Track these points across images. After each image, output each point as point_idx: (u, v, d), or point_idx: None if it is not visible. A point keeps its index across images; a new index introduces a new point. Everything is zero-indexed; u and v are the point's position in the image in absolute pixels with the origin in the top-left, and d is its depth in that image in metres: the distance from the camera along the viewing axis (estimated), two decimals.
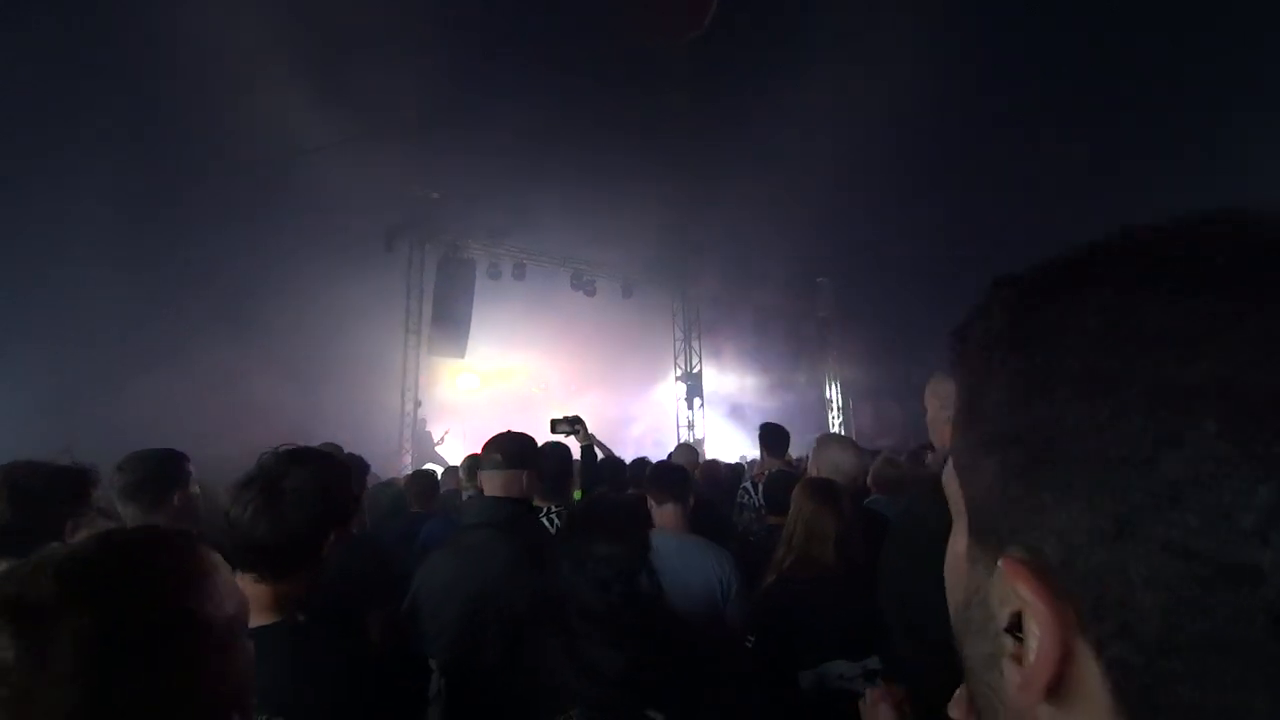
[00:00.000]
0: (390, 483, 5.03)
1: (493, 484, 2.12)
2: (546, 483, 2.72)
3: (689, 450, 5.31)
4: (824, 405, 14.97)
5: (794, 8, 8.22)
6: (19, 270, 7.09)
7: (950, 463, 0.38)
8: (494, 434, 2.25)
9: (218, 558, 0.73)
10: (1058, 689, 0.28)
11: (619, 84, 8.69)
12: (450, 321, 10.43)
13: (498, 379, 12.09)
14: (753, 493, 3.88)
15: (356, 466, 3.36)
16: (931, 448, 4.97)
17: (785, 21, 8.33)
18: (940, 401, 1.80)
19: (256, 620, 1.20)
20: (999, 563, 0.31)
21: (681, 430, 12.90)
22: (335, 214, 9.26)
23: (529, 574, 1.91)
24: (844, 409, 15.00)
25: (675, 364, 13.42)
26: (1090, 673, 0.27)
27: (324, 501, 1.31)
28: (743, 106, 9.31)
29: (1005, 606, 0.31)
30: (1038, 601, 0.28)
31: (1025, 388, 0.30)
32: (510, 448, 2.16)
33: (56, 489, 1.62)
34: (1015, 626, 0.30)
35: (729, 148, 9.78)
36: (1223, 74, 8.02)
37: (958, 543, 0.38)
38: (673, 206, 10.44)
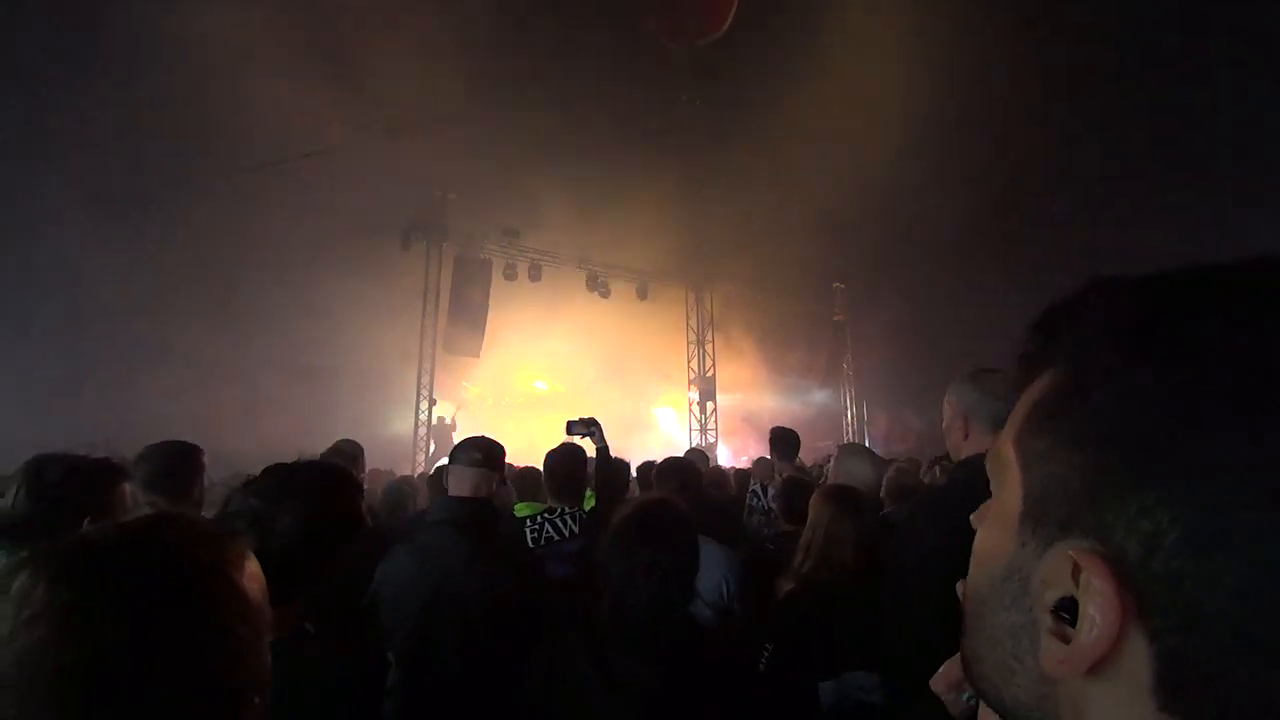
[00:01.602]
0: (404, 480, 5.07)
1: (462, 483, 2.16)
2: (560, 484, 2.74)
3: (698, 455, 5.29)
4: (839, 411, 14.87)
5: (812, 11, 8.20)
6: (35, 266, 7.23)
7: (1010, 447, 0.39)
8: (470, 436, 2.30)
9: (251, 551, 0.76)
10: (1098, 665, 0.31)
11: (637, 86, 8.71)
12: (466, 320, 10.50)
13: (513, 379, 12.16)
14: (762, 495, 3.86)
15: (353, 457, 3.37)
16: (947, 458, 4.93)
17: (803, 24, 8.31)
18: (955, 409, 1.78)
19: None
20: (1068, 553, 0.33)
21: (693, 434, 12.88)
22: (352, 212, 9.37)
23: (484, 573, 1.97)
24: (859, 416, 14.89)
25: (689, 367, 13.40)
26: (1138, 657, 0.30)
27: (319, 535, 1.26)
28: (760, 109, 9.29)
29: (1052, 589, 0.33)
30: (1108, 590, 0.30)
31: (1151, 397, 0.31)
32: (487, 450, 2.21)
33: (73, 481, 1.59)
34: (1062, 608, 0.32)
35: (746, 151, 9.76)
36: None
37: (1002, 524, 0.39)
38: (689, 210, 10.46)
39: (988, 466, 0.43)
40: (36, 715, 0.54)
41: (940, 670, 1.08)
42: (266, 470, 1.31)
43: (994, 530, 0.40)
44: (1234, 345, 0.30)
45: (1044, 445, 0.36)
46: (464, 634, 1.88)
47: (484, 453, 2.19)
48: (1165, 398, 0.31)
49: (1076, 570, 0.32)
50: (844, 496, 2.18)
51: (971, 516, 0.46)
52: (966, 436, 1.73)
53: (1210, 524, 0.28)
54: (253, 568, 0.73)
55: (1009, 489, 0.39)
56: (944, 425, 1.83)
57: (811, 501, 2.21)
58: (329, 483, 1.33)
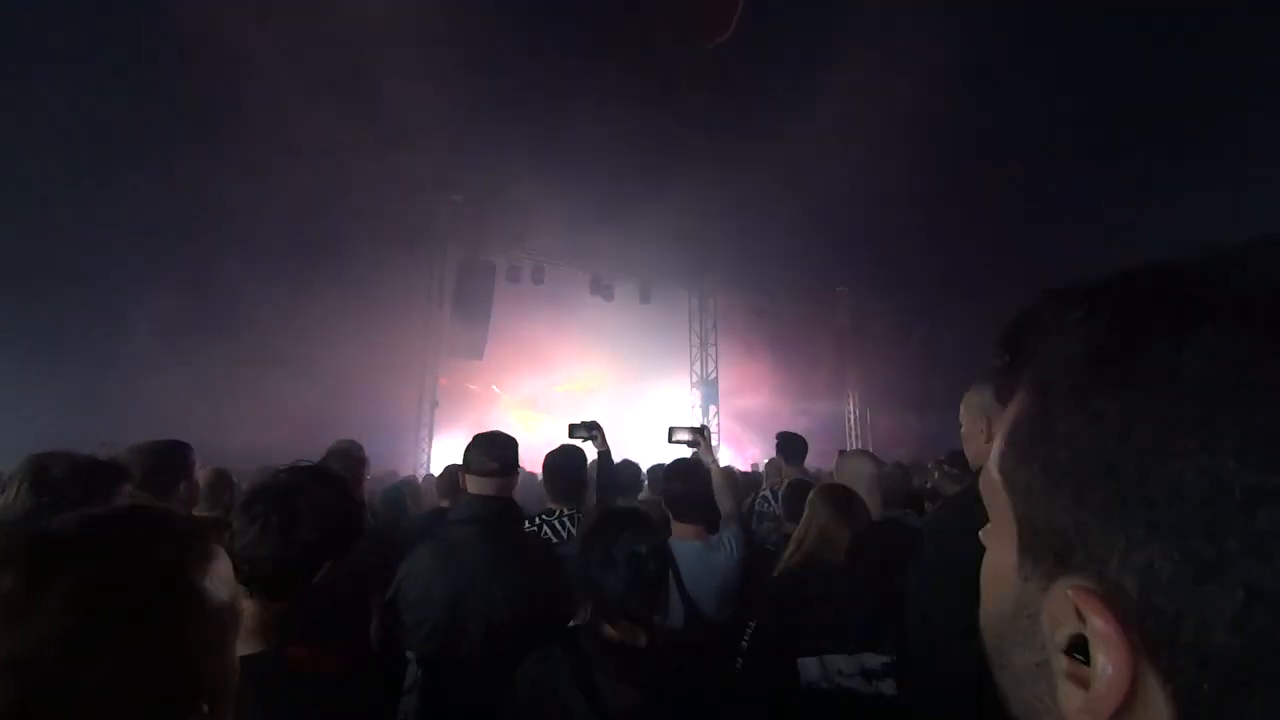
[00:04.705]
0: (407, 480, 5.08)
1: (487, 485, 2.13)
2: (561, 486, 2.72)
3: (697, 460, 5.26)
4: (841, 415, 14.83)
5: (818, 15, 8.19)
6: (52, 275, 7.29)
7: (995, 473, 0.38)
8: (483, 433, 2.25)
9: (221, 550, 0.73)
10: (1119, 710, 0.29)
11: (640, 89, 8.71)
12: (469, 323, 10.53)
13: (515, 381, 12.17)
14: (772, 500, 3.85)
15: (356, 458, 3.33)
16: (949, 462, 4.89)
17: (809, 29, 8.30)
18: (973, 415, 1.77)
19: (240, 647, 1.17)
20: (1067, 591, 0.31)
21: None
22: (358, 216, 9.40)
23: (510, 572, 1.95)
24: (861, 419, 14.84)
25: (691, 370, 13.38)
26: (1154, 697, 0.28)
27: (325, 536, 1.31)
28: (764, 113, 9.28)
29: (1062, 628, 0.31)
30: (1113, 634, 0.29)
31: (1120, 424, 0.30)
32: (507, 452, 2.18)
33: (76, 479, 1.61)
34: (1074, 648, 0.31)
35: (750, 154, 9.74)
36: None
37: (1004, 553, 0.37)
38: (692, 212, 10.42)
39: (980, 487, 0.41)
40: None
41: None
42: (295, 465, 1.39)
43: (997, 557, 0.39)
44: (1201, 363, 0.28)
45: (1027, 476, 0.35)
46: (488, 633, 1.87)
47: (500, 461, 2.14)
48: (1136, 425, 0.29)
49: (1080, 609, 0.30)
50: (839, 497, 2.19)
51: (981, 533, 0.43)
52: (989, 440, 1.72)
53: (1200, 553, 0.27)
54: (220, 568, 0.70)
55: (1003, 514, 0.37)
56: (963, 433, 1.82)
57: (809, 499, 2.22)
58: (347, 496, 1.40)
